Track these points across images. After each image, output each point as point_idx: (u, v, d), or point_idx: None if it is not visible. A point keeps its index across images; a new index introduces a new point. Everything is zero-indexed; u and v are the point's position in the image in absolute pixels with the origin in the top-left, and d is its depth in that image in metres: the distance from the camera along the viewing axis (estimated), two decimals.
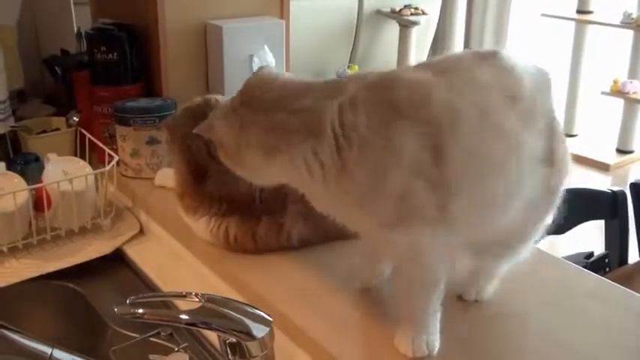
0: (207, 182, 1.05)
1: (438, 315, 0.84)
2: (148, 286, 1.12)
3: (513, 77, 0.82)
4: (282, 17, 1.45)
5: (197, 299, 0.74)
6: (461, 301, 0.93)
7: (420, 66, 0.83)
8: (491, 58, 0.83)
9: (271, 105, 0.79)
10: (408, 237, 0.77)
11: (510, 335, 0.89)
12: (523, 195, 0.82)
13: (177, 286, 1.07)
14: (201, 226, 1.06)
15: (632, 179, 2.12)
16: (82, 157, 1.31)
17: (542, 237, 0.92)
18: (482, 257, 0.91)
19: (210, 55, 1.39)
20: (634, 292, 0.98)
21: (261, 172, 0.82)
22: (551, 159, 0.83)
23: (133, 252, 1.20)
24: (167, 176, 1.25)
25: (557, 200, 0.88)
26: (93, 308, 1.09)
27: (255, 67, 1.35)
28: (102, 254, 1.17)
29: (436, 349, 0.83)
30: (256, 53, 1.35)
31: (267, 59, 1.36)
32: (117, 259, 1.19)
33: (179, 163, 1.09)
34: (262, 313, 0.75)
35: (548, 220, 0.90)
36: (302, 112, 0.77)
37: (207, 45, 1.39)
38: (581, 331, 0.91)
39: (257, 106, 0.79)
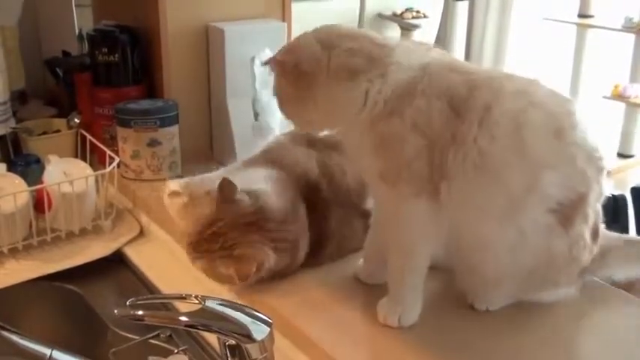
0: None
1: (418, 293, 0.90)
2: (148, 287, 1.12)
3: (570, 119, 0.86)
4: (283, 20, 1.45)
5: (197, 301, 0.74)
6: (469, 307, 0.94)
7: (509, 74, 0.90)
8: (565, 98, 0.88)
9: (363, 34, 0.89)
10: (398, 200, 0.85)
11: (509, 337, 0.89)
12: (521, 225, 0.84)
13: (177, 287, 1.07)
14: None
15: (632, 184, 2.12)
16: (83, 158, 1.31)
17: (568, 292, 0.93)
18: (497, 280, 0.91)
19: (211, 57, 1.39)
20: (635, 297, 0.98)
21: (330, 96, 0.86)
22: (565, 223, 0.85)
23: (133, 254, 1.19)
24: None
25: (565, 269, 0.88)
26: (93, 310, 1.09)
27: (256, 70, 1.35)
28: (102, 256, 1.17)
29: (409, 323, 0.89)
30: (258, 55, 1.35)
31: None
32: (117, 261, 1.19)
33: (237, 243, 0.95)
34: (262, 316, 0.75)
35: (568, 281, 0.91)
36: (382, 47, 0.86)
37: (208, 47, 1.39)
38: (582, 335, 0.91)
39: (353, 33, 0.89)
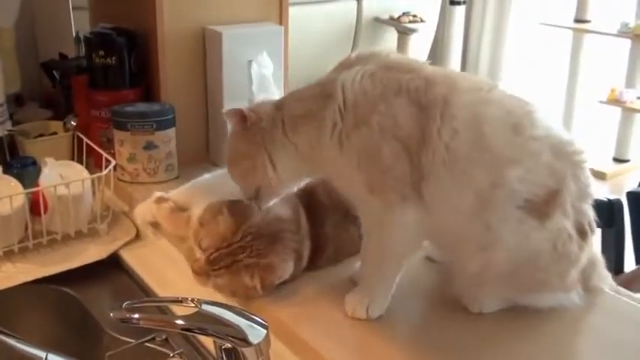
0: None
1: (391, 287, 0.91)
2: (144, 290, 1.12)
3: (529, 117, 0.87)
4: (281, 23, 1.45)
5: (193, 304, 0.73)
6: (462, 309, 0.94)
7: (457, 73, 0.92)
8: (524, 100, 0.89)
9: (307, 86, 0.93)
10: (386, 209, 0.86)
11: (505, 341, 0.89)
12: (489, 222, 0.84)
13: (173, 291, 1.07)
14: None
15: (628, 188, 2.12)
16: (79, 161, 1.31)
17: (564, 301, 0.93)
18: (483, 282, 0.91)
19: (208, 60, 1.39)
20: (630, 301, 0.98)
21: (299, 137, 0.90)
22: (539, 216, 0.85)
23: (129, 257, 1.19)
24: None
25: (553, 266, 0.88)
26: (89, 313, 1.09)
27: (253, 73, 1.35)
28: (98, 259, 1.17)
29: (376, 315, 0.90)
30: (255, 59, 1.35)
31: (266, 65, 1.36)
32: (113, 264, 1.19)
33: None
34: (258, 319, 0.74)
35: (557, 283, 0.90)
36: (324, 84, 0.90)
37: (205, 50, 1.39)
38: (580, 342, 0.91)
39: (295, 93, 0.94)
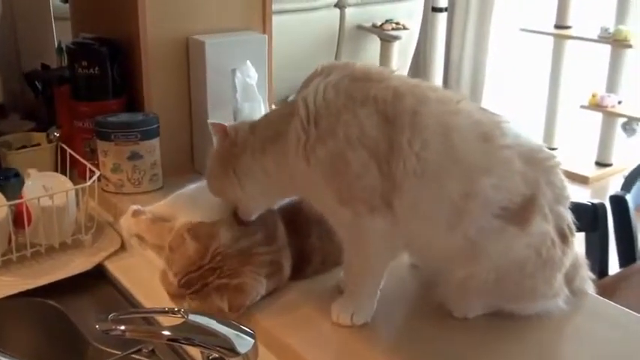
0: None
1: (375, 295, 0.91)
2: (130, 302, 1.11)
3: (499, 127, 0.87)
4: (264, 32, 1.46)
5: (180, 315, 0.73)
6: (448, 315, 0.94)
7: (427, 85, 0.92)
8: (493, 112, 0.90)
9: (278, 107, 0.94)
10: (355, 219, 0.86)
11: (489, 346, 0.89)
12: (467, 233, 0.85)
13: (159, 301, 1.06)
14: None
15: (611, 192, 2.14)
16: (63, 172, 1.30)
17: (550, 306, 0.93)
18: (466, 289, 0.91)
19: (192, 69, 1.39)
20: (614, 304, 0.99)
21: (266, 159, 0.91)
22: (519, 223, 0.85)
23: (114, 268, 1.18)
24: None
25: (538, 270, 0.88)
26: (74, 325, 1.08)
27: (237, 82, 1.35)
28: (83, 270, 1.16)
29: (361, 322, 0.91)
30: (239, 68, 1.35)
31: (250, 74, 1.36)
32: (98, 275, 1.18)
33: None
34: (246, 328, 0.74)
35: (546, 289, 0.90)
36: (292, 100, 0.90)
37: (189, 60, 1.39)
38: (566, 344, 0.92)
39: (267, 114, 0.98)
